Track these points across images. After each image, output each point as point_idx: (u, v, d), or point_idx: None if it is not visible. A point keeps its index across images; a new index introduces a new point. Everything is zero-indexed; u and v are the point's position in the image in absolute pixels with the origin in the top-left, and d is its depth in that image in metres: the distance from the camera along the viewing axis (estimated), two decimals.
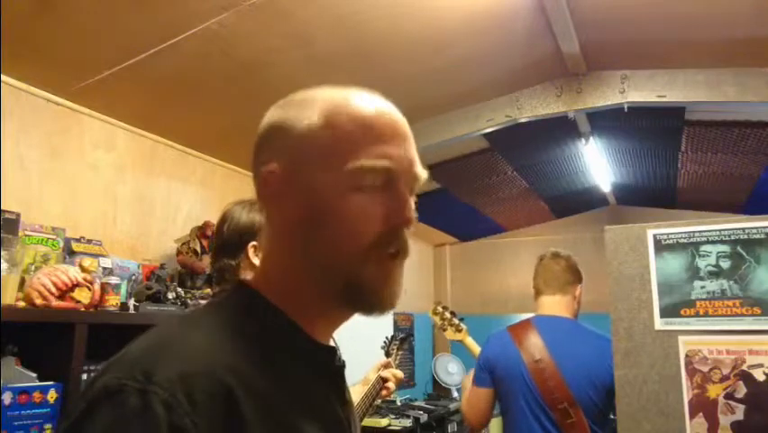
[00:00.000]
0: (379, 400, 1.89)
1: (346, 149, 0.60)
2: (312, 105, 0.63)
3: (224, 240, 1.52)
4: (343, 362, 0.69)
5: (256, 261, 1.46)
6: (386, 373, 1.83)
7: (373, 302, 0.62)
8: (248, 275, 1.47)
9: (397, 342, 2.12)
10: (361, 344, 2.67)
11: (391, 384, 1.84)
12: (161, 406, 0.48)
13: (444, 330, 2.35)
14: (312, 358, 0.64)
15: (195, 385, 0.50)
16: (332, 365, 0.67)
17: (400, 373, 1.90)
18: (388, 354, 2.06)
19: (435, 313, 2.39)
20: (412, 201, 0.63)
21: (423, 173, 0.65)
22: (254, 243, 1.48)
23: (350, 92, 0.64)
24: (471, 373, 2.13)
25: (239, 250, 1.48)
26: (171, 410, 0.48)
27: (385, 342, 2.13)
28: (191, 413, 0.49)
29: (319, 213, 0.60)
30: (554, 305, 2.06)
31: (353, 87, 0.65)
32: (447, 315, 2.36)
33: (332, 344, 0.68)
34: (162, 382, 0.50)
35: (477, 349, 2.19)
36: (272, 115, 0.66)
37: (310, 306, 0.64)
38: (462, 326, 2.32)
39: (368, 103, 0.63)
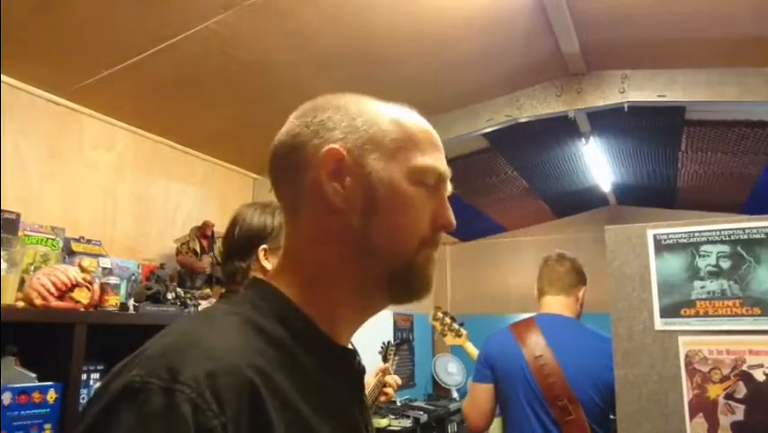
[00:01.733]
0: (381, 404, 1.91)
1: (414, 147, 0.65)
2: (372, 107, 0.67)
3: (234, 242, 1.52)
4: (363, 366, 0.68)
5: (266, 264, 1.46)
6: (386, 379, 1.85)
7: (418, 288, 0.65)
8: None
9: (394, 347, 2.14)
10: (359, 344, 2.68)
11: (390, 390, 1.85)
12: (188, 406, 0.46)
13: (444, 335, 2.38)
14: (332, 360, 0.63)
15: (222, 384, 0.49)
16: (352, 368, 0.66)
17: (399, 379, 1.92)
18: (385, 360, 2.08)
19: (435, 319, 2.42)
20: None
21: (450, 187, 0.70)
22: (265, 246, 1.47)
23: (403, 107, 0.69)
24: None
25: (249, 252, 1.47)
26: (199, 411, 0.46)
27: (382, 347, 2.15)
28: (220, 415, 0.47)
29: (383, 198, 0.62)
30: (557, 305, 2.06)
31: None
32: (447, 320, 2.39)
33: (351, 347, 0.68)
34: (188, 380, 0.48)
35: (476, 353, 2.21)
36: (322, 103, 0.67)
37: (339, 302, 0.64)
38: (462, 331, 2.36)
39: (421, 118, 0.70)
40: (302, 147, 0.64)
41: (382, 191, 0.62)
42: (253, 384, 0.51)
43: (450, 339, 2.36)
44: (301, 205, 0.65)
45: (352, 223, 0.62)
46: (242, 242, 1.50)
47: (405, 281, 0.63)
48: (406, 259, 0.63)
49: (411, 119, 0.67)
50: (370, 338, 2.39)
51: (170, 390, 0.47)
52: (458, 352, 4.88)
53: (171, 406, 0.46)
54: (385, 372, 1.89)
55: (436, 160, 0.66)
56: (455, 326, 2.37)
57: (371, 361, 1.97)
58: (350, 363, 0.66)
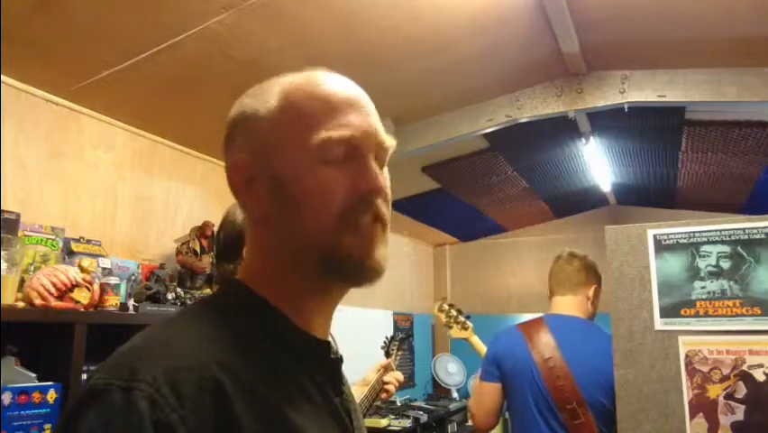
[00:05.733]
0: (382, 401, 1.88)
1: (306, 125, 0.61)
2: (270, 90, 0.64)
3: (221, 245, 1.52)
4: (340, 356, 0.69)
5: None
6: (387, 377, 1.82)
7: (357, 270, 0.61)
8: None
9: (397, 342, 2.10)
10: (360, 344, 2.66)
11: (391, 387, 1.83)
12: (145, 402, 0.48)
13: (450, 328, 2.32)
14: (304, 351, 0.63)
15: (181, 379, 0.50)
16: (326, 358, 0.66)
17: (401, 376, 1.89)
18: (387, 355, 2.05)
19: (441, 310, 2.36)
20: (381, 170, 0.64)
21: (390, 140, 0.65)
22: None
23: (308, 72, 0.65)
24: (479, 373, 2.11)
25: (237, 254, 1.46)
26: (157, 406, 0.48)
27: (385, 342, 2.12)
28: (178, 408, 0.48)
29: (288, 190, 0.61)
30: (566, 305, 2.03)
31: (315, 69, 0.66)
32: (453, 312, 2.33)
33: (329, 339, 0.68)
34: (146, 378, 0.49)
35: (482, 347, 2.17)
36: (234, 109, 0.67)
37: (297, 293, 0.64)
38: (468, 323, 2.30)
39: (324, 79, 0.64)
40: (225, 159, 0.66)
41: (289, 184, 0.61)
42: (218, 381, 0.51)
43: (456, 332, 2.31)
44: (243, 211, 0.68)
45: (276, 223, 0.62)
46: (227, 244, 1.49)
47: (338, 264, 0.61)
48: (328, 240, 0.60)
49: (301, 90, 0.63)
50: (371, 337, 2.39)
51: (129, 388, 0.49)
52: (458, 352, 4.89)
53: (129, 404, 0.48)
54: (387, 367, 1.86)
55: (337, 127, 0.60)
56: (461, 318, 2.31)
57: (374, 358, 1.97)
58: (325, 354, 0.66)
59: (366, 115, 0.64)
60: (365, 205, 0.61)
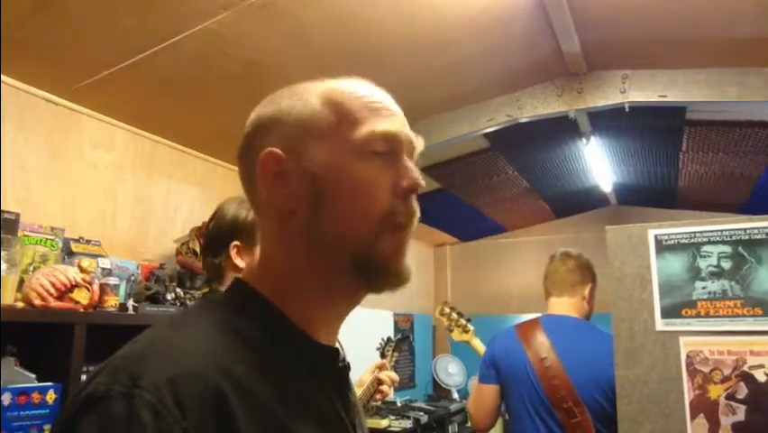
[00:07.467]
0: (376, 402, 1.87)
1: (350, 121, 0.61)
2: (305, 92, 0.64)
3: (208, 237, 1.48)
4: (348, 363, 0.67)
5: (238, 261, 1.40)
6: (381, 376, 1.81)
7: (389, 276, 0.61)
8: (231, 276, 1.40)
9: (393, 344, 2.10)
10: (357, 344, 2.66)
11: (386, 387, 1.82)
12: (148, 411, 0.46)
13: (451, 331, 2.34)
14: (312, 359, 0.62)
15: (184, 389, 0.48)
16: (334, 367, 0.65)
17: (395, 376, 1.87)
18: (383, 356, 2.05)
19: (442, 314, 2.37)
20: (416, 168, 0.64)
21: (420, 143, 0.66)
22: (237, 243, 1.42)
23: (344, 80, 0.66)
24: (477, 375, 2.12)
25: (222, 248, 1.42)
26: (160, 417, 0.46)
27: (381, 343, 2.12)
28: (181, 420, 0.47)
29: (328, 185, 0.59)
30: (562, 306, 2.04)
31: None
32: (454, 315, 2.35)
33: (336, 345, 0.67)
34: (149, 386, 0.48)
35: (483, 350, 2.18)
36: (262, 110, 0.66)
37: (313, 299, 0.62)
38: (470, 326, 2.32)
39: (361, 84, 0.65)
40: (248, 154, 0.64)
41: (327, 180, 0.59)
42: (219, 389, 0.50)
43: (457, 335, 2.32)
44: (259, 208, 0.65)
45: (305, 221, 0.60)
46: (213, 238, 1.45)
47: (369, 267, 0.60)
48: (367, 242, 0.59)
49: (342, 91, 0.63)
50: (371, 337, 2.38)
51: (131, 396, 0.47)
52: (459, 352, 4.89)
53: (131, 412, 0.46)
54: (381, 368, 1.85)
55: (380, 124, 0.61)
56: (462, 321, 2.32)
57: (373, 359, 1.96)
58: (332, 362, 0.65)
59: (402, 119, 0.65)
60: (405, 204, 0.61)
